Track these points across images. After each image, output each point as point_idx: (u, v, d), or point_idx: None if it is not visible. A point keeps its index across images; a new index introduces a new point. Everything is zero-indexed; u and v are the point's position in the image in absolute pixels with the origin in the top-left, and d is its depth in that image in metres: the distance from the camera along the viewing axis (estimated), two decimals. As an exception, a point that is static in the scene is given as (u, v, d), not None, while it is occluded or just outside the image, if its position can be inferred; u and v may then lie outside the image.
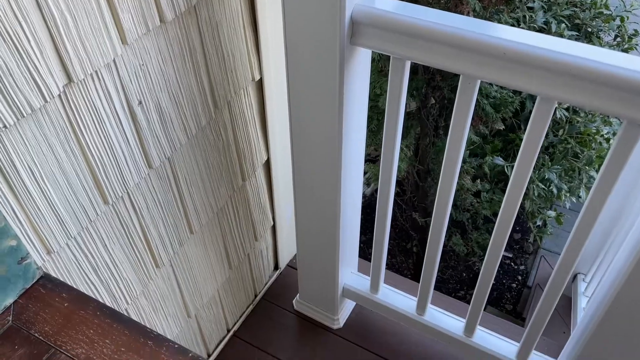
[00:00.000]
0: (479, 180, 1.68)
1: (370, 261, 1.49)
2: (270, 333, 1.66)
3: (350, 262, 1.56)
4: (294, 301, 1.71)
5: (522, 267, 2.53)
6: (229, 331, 1.63)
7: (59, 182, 0.87)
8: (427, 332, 1.49)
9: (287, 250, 1.80)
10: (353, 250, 1.55)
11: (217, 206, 1.32)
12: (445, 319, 1.47)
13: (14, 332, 0.75)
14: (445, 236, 1.30)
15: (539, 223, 2.00)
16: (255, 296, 1.72)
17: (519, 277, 2.47)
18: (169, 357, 0.73)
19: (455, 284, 2.25)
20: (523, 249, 2.49)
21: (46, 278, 0.81)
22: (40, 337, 0.74)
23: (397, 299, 1.52)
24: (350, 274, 1.58)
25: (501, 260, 2.49)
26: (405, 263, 2.36)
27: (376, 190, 2.20)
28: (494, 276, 1.30)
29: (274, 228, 1.67)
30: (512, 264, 2.56)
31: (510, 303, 2.24)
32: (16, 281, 0.77)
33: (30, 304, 0.78)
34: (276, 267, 1.80)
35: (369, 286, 1.54)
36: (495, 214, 1.87)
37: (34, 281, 0.80)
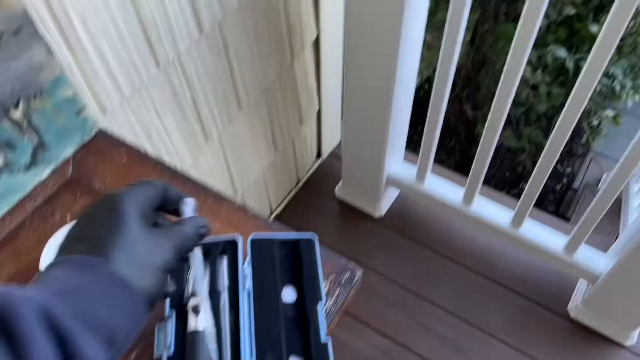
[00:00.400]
0: (539, 71, 1.58)
1: (414, 154, 1.45)
2: (312, 218, 1.68)
3: (397, 149, 1.52)
4: (335, 188, 1.71)
5: (568, 169, 2.45)
6: (271, 213, 1.65)
7: (112, 37, 0.82)
8: (472, 223, 1.47)
9: (331, 137, 1.77)
10: (401, 138, 1.51)
11: (265, 83, 1.28)
12: (493, 210, 1.44)
13: (76, 183, 0.74)
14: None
15: (595, 123, 1.90)
16: (298, 182, 1.72)
17: (565, 180, 2.41)
18: (230, 213, 0.72)
19: (497, 183, 2.21)
20: (571, 151, 2.40)
21: (103, 133, 0.80)
22: (102, 189, 0.74)
23: (444, 188, 1.50)
24: (396, 162, 1.55)
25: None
26: (447, 161, 2.31)
27: (423, 84, 2.11)
28: (549, 172, 1.25)
29: (319, 113, 1.63)
30: (559, 165, 2.49)
31: (553, 205, 2.21)
32: (75, 133, 0.76)
33: (90, 157, 0.77)
34: (319, 155, 1.78)
35: (415, 175, 1.51)
36: (552, 109, 1.78)
37: (92, 135, 0.79)
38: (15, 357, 0.31)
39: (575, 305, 1.43)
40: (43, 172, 0.74)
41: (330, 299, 0.66)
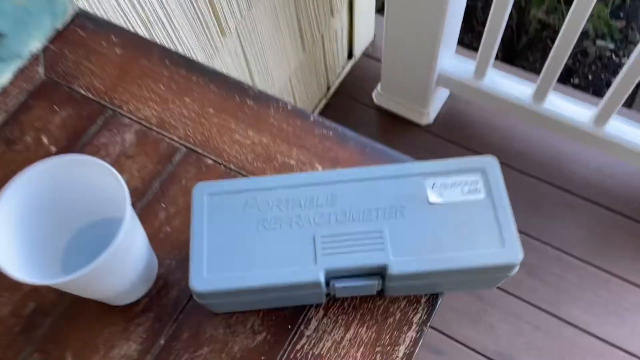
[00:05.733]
0: None
1: (465, 48, 1.18)
2: (347, 130, 1.44)
3: (450, 42, 1.25)
4: (373, 94, 1.46)
5: (624, 60, 2.16)
6: (300, 127, 1.41)
7: None
8: (543, 124, 1.23)
9: (364, 35, 1.50)
10: (455, 28, 1.23)
11: (290, -41, 1.00)
12: (571, 108, 1.20)
13: (51, 89, 0.51)
14: None
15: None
16: (329, 89, 1.47)
17: (620, 71, 2.11)
18: (281, 120, 0.49)
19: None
20: (627, 39, 2.10)
21: (85, 16, 0.55)
22: (89, 95, 0.50)
23: (509, 84, 1.24)
24: (449, 58, 1.29)
25: (600, 52, 2.12)
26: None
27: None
28: None
29: (351, 3, 1.34)
30: (613, 56, 2.20)
31: (628, 102, 1.95)
32: (41, 17, 0.51)
33: (67, 51, 0.53)
34: (350, 56, 1.51)
35: (472, 71, 1.25)
36: None
37: (69, 19, 0.54)
38: None
39: (667, 215, 1.22)
40: (1, 75, 0.50)
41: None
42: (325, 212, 0.38)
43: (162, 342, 0.40)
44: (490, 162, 0.39)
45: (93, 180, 0.38)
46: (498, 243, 0.36)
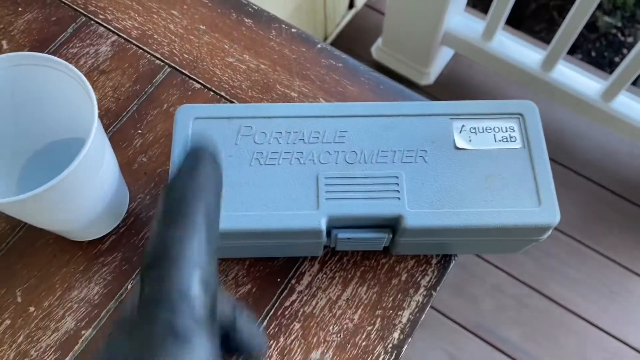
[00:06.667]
0: None
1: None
2: (342, 85, 1.37)
3: (459, -2, 1.18)
4: (372, 48, 1.38)
5: (630, 39, 2.10)
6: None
7: None
8: (550, 94, 1.18)
9: (368, -16, 1.41)
10: (467, -19, 1.16)
11: None
12: (580, 79, 1.14)
13: (15, -14, 0.43)
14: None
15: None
16: (326, 39, 1.39)
17: (625, 50, 2.06)
18: (284, 45, 0.42)
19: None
20: (634, 17, 2.04)
21: None
22: (61, -3, 0.43)
23: (517, 50, 1.18)
24: (457, 15, 1.21)
25: (605, 30, 2.06)
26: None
27: None
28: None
29: (358, -53, 1.25)
30: (619, 34, 2.13)
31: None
32: None
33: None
34: (351, 6, 1.43)
35: (480, 31, 1.18)
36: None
37: None
38: None
39: (664, 198, 1.19)
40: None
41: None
42: (333, 150, 0.32)
43: (129, 286, 0.35)
44: (529, 107, 0.34)
45: (55, 89, 0.31)
46: (533, 200, 0.31)
